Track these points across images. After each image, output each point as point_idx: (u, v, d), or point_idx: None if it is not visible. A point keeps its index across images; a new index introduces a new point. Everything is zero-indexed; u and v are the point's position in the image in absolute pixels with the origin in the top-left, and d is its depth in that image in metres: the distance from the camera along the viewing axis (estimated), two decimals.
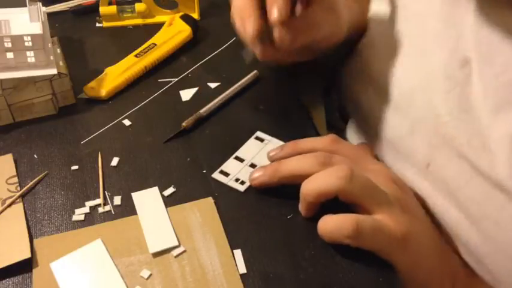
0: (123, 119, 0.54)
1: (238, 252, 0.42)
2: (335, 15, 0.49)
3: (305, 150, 0.47)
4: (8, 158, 0.50)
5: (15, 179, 0.48)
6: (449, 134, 0.43)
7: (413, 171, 0.47)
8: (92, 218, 0.45)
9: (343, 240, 0.40)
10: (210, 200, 0.46)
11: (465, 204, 0.42)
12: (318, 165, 0.43)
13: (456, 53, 0.43)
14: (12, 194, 0.46)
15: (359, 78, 0.56)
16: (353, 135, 0.60)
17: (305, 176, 0.43)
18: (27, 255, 0.41)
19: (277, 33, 0.45)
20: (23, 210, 0.45)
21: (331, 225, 0.41)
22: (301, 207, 0.44)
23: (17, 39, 0.50)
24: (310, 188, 0.42)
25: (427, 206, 0.46)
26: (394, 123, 0.49)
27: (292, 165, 0.45)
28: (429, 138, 0.45)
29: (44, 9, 0.57)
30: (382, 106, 0.50)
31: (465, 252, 0.44)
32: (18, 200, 0.46)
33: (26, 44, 0.50)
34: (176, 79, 0.60)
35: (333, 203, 0.42)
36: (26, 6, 0.55)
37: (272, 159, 0.48)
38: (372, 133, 0.53)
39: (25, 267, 0.41)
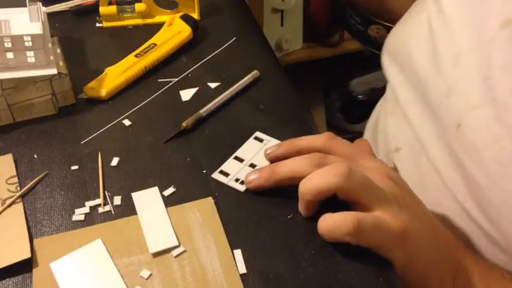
0: (123, 119, 0.54)
1: (238, 252, 0.42)
2: None
3: (302, 147, 0.47)
4: (8, 158, 0.50)
5: (15, 179, 0.48)
6: (491, 96, 0.43)
7: (445, 132, 0.47)
8: (92, 218, 0.45)
9: (343, 238, 0.40)
10: (210, 200, 0.46)
11: (487, 165, 0.42)
12: (314, 166, 0.43)
13: (498, 15, 0.44)
14: (12, 194, 0.46)
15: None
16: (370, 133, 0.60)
17: (301, 178, 0.43)
18: (27, 255, 0.41)
19: None
20: (23, 210, 0.45)
21: (331, 223, 0.41)
22: (301, 207, 0.44)
23: (17, 39, 0.50)
24: (308, 187, 0.42)
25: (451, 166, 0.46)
26: (435, 84, 0.49)
27: (288, 168, 0.45)
28: (466, 100, 0.45)
29: (44, 9, 0.57)
30: (429, 67, 0.51)
31: (483, 215, 0.44)
32: (18, 200, 0.46)
33: (26, 44, 0.50)
34: (176, 79, 0.60)
35: (332, 203, 0.42)
36: (26, 6, 0.55)
37: (269, 157, 0.48)
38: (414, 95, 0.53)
39: (25, 267, 0.41)
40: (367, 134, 0.71)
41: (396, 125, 0.58)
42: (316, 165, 0.43)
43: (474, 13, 0.46)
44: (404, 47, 0.56)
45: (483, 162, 0.43)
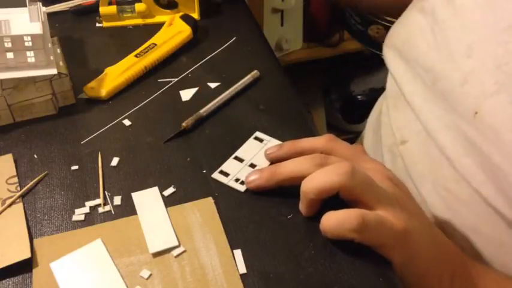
0: (123, 119, 0.54)
1: (238, 252, 0.42)
2: None
3: (303, 149, 0.47)
4: (8, 158, 0.50)
5: (15, 179, 0.48)
6: (509, 81, 0.43)
7: (461, 121, 0.47)
8: (92, 218, 0.45)
9: (347, 235, 0.40)
10: (210, 200, 0.46)
11: (509, 148, 0.43)
12: (315, 166, 0.43)
13: None
14: (12, 194, 0.46)
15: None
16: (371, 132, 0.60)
17: (302, 178, 0.43)
18: (27, 255, 0.41)
19: None
20: (23, 210, 0.45)
21: (335, 220, 0.41)
22: (302, 206, 0.44)
23: (17, 39, 0.50)
24: (311, 185, 0.42)
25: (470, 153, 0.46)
26: (448, 74, 0.49)
27: (290, 168, 0.45)
28: (482, 88, 0.45)
29: (44, 9, 0.57)
30: (439, 57, 0.51)
31: (502, 198, 0.44)
32: (18, 200, 0.46)
33: (26, 44, 0.50)
34: (176, 79, 0.60)
35: (333, 204, 0.42)
36: (26, 6, 0.55)
37: (270, 158, 0.48)
38: (423, 83, 0.53)
39: (25, 267, 0.41)
40: (368, 133, 0.71)
41: (401, 118, 0.58)
42: (318, 166, 0.43)
43: (488, 2, 0.46)
44: (409, 40, 0.56)
45: (504, 145, 0.43)
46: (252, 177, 0.46)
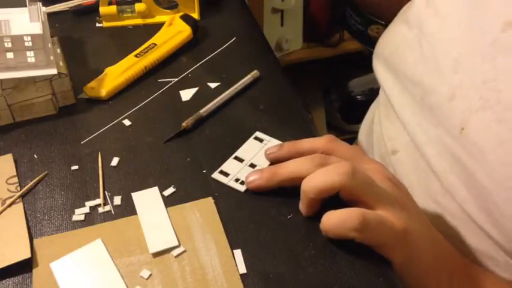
0: (123, 119, 0.54)
1: (238, 252, 0.42)
2: None
3: (303, 149, 0.47)
4: (8, 158, 0.50)
5: (15, 179, 0.48)
6: (494, 98, 0.43)
7: (447, 136, 0.47)
8: (92, 218, 0.45)
9: (348, 234, 0.40)
10: (210, 200, 0.46)
11: (492, 166, 0.42)
12: (315, 167, 0.43)
13: (499, 17, 0.44)
14: (12, 194, 0.46)
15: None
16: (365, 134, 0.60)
17: (303, 179, 0.43)
18: (27, 255, 0.41)
19: None
20: (23, 210, 0.45)
21: (335, 219, 0.41)
22: (302, 205, 0.44)
23: (17, 39, 0.50)
24: (311, 185, 0.42)
25: (454, 171, 0.46)
26: (436, 88, 0.49)
27: (290, 168, 0.45)
28: (469, 103, 0.45)
29: (44, 9, 0.57)
30: (427, 71, 0.50)
31: (484, 216, 0.44)
32: (18, 200, 0.46)
33: (26, 44, 0.50)
34: (176, 79, 0.60)
35: (333, 204, 0.42)
36: (26, 6, 0.55)
37: (270, 158, 0.48)
38: (409, 98, 0.53)
39: (25, 267, 0.41)
40: (362, 136, 0.71)
41: (392, 128, 0.58)
42: (318, 166, 0.43)
43: (473, 15, 0.46)
44: (396, 51, 0.55)
45: (488, 164, 0.43)
46: (252, 178, 0.46)
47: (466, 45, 0.46)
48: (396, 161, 0.56)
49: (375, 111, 0.66)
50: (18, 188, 0.47)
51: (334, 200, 0.42)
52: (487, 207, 0.43)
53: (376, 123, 0.63)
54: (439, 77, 0.48)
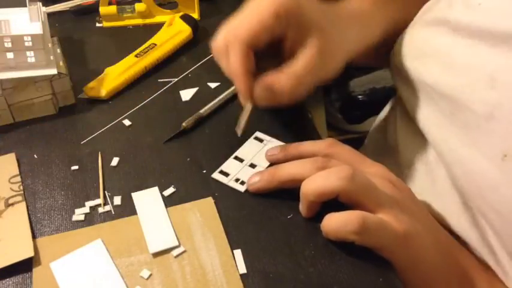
0: (123, 119, 0.54)
1: (238, 252, 0.42)
2: (340, 50, 0.49)
3: (304, 152, 0.47)
4: (11, 158, 0.50)
5: (18, 178, 0.48)
6: None
7: (483, 160, 0.43)
8: (92, 218, 0.45)
9: (348, 237, 0.40)
10: (210, 200, 0.46)
11: None
12: (316, 169, 0.43)
13: None
14: (15, 193, 0.46)
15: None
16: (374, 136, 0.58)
17: (303, 181, 0.43)
18: (31, 253, 0.41)
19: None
20: (25, 210, 0.45)
21: (336, 222, 0.41)
22: (302, 207, 0.44)
23: (17, 39, 0.50)
24: (311, 188, 0.42)
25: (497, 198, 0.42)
26: (471, 105, 0.44)
27: (290, 170, 0.45)
28: (510, 126, 0.41)
29: (44, 9, 0.57)
30: (456, 83, 0.46)
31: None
32: (21, 199, 0.46)
33: (26, 44, 0.50)
34: (176, 79, 0.60)
35: (333, 204, 0.42)
36: (26, 6, 0.55)
37: (270, 160, 0.48)
38: (440, 116, 0.48)
39: (25, 267, 0.41)
40: (374, 134, 0.68)
41: (409, 141, 0.55)
42: (319, 169, 0.43)
43: (508, 24, 0.42)
44: (418, 59, 0.51)
45: None
46: (253, 180, 0.46)
47: (503, 59, 0.42)
48: (410, 177, 0.54)
49: (389, 118, 0.63)
50: (21, 187, 0.47)
51: (335, 200, 0.42)
52: None
53: (390, 132, 0.60)
54: (473, 93, 0.44)
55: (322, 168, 0.43)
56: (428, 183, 0.51)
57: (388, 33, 0.55)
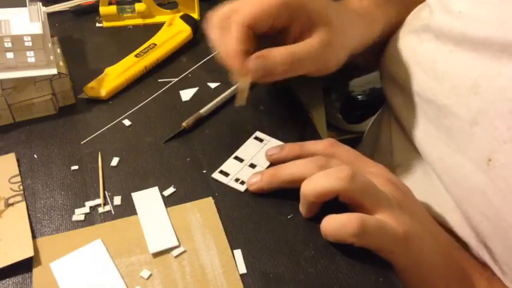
0: (123, 119, 0.54)
1: (238, 252, 0.42)
2: (341, 43, 0.49)
3: (304, 152, 0.47)
4: (11, 157, 0.50)
5: (18, 178, 0.48)
6: None
7: (470, 166, 0.44)
8: (92, 218, 0.45)
9: (347, 239, 0.40)
10: (210, 200, 0.46)
11: None
12: (317, 168, 0.43)
13: None
14: (15, 193, 0.46)
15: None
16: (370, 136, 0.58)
17: (304, 180, 0.43)
18: (31, 253, 0.41)
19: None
20: (25, 209, 0.45)
21: (335, 224, 0.41)
22: (302, 208, 0.44)
23: (17, 39, 0.50)
24: (311, 188, 0.42)
25: (485, 202, 0.43)
26: (455, 111, 0.45)
27: (291, 170, 0.45)
28: (495, 133, 0.41)
29: (44, 9, 0.57)
30: (443, 93, 0.47)
31: (507, 256, 0.43)
32: (21, 199, 0.46)
33: (26, 44, 0.50)
34: (176, 79, 0.60)
35: (333, 204, 0.42)
36: (26, 6, 0.55)
37: (271, 160, 0.48)
38: (429, 120, 0.49)
39: (25, 267, 0.41)
40: (368, 137, 0.70)
41: (398, 141, 0.56)
42: (320, 168, 0.43)
43: (496, 30, 0.42)
44: (403, 66, 0.52)
45: None
46: (254, 180, 0.46)
47: (486, 64, 0.43)
48: (401, 178, 0.54)
49: (381, 120, 0.64)
50: (21, 187, 0.47)
51: (334, 201, 0.42)
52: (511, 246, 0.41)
53: (383, 137, 0.61)
54: (456, 98, 0.44)
55: (323, 167, 0.43)
56: (425, 183, 0.51)
57: (385, 34, 0.56)
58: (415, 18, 0.54)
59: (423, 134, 0.50)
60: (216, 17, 0.48)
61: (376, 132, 0.64)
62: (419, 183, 0.51)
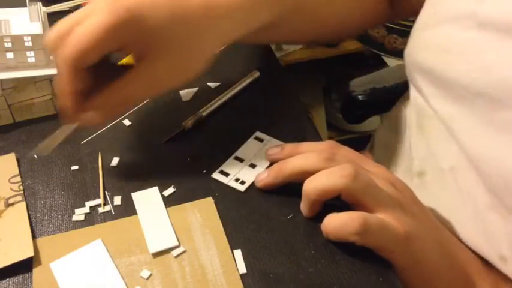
0: (123, 119, 0.54)
1: (238, 252, 0.42)
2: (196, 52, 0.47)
3: (304, 152, 0.47)
4: (11, 157, 0.50)
5: (18, 178, 0.48)
6: None
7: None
8: (92, 218, 0.45)
9: (349, 238, 0.40)
10: (210, 200, 0.46)
11: None
12: (323, 161, 0.43)
13: None
14: (15, 193, 0.46)
15: None
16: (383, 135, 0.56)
17: (310, 172, 0.43)
18: (31, 253, 0.41)
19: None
20: (25, 209, 0.45)
21: (337, 223, 0.41)
22: (304, 206, 0.44)
23: (17, 39, 0.50)
24: (313, 186, 0.42)
25: None
26: (502, 105, 0.41)
27: (297, 163, 0.45)
28: None
29: (44, 9, 0.57)
30: (491, 83, 0.42)
31: None
32: (21, 199, 0.46)
33: (26, 44, 0.50)
34: None
35: (334, 204, 0.42)
36: (26, 6, 0.55)
37: (271, 160, 0.48)
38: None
39: (25, 267, 0.41)
40: (381, 133, 0.67)
41: (423, 147, 0.52)
42: (326, 160, 0.43)
43: None
44: (440, 57, 0.48)
45: None
46: (261, 177, 0.46)
47: None
48: (420, 186, 0.52)
49: (402, 111, 0.59)
50: (21, 187, 0.47)
51: (336, 201, 0.42)
52: None
53: (403, 131, 0.58)
54: (509, 93, 0.41)
55: (328, 159, 0.43)
56: (441, 190, 0.49)
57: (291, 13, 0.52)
58: (449, 6, 0.49)
59: (466, 132, 0.46)
60: (48, 44, 0.43)
61: (391, 131, 0.62)
62: (437, 191, 0.50)
